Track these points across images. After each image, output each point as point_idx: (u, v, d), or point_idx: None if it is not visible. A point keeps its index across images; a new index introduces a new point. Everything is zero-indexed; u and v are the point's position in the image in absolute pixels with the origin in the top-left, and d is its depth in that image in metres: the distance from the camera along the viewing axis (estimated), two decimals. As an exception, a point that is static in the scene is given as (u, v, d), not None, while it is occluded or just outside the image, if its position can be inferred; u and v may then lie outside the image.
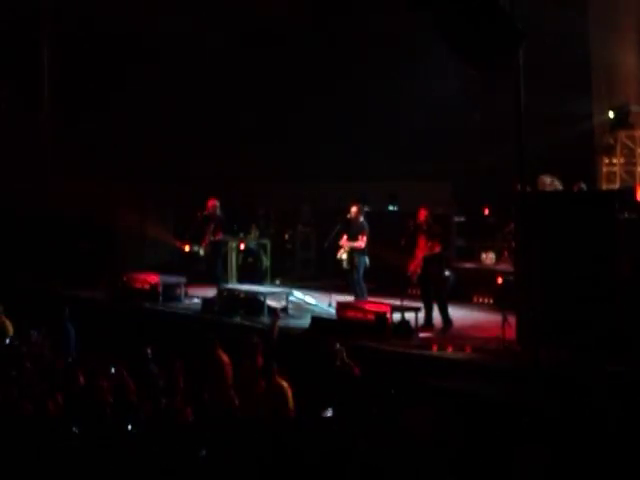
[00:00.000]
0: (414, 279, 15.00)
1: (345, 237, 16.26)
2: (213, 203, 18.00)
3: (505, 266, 17.03)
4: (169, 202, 21.53)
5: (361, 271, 16.23)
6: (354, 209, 16.27)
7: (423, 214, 14.90)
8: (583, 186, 16.00)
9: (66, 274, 20.02)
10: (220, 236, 18.05)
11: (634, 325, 12.37)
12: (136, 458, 9.57)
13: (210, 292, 17.42)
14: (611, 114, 18.69)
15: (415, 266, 14.84)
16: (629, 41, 18.77)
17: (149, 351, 13.41)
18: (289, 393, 11.82)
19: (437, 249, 14.78)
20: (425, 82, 19.32)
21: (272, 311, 15.99)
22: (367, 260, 16.22)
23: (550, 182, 15.37)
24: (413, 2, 12.82)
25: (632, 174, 18.82)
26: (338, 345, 12.77)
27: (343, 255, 16.22)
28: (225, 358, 13.23)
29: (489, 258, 18.16)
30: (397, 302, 14.83)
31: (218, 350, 13.25)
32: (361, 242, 16.10)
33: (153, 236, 20.86)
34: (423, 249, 14.82)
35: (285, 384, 11.88)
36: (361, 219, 16.29)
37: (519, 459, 9.59)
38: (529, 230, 12.82)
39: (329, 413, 11.63)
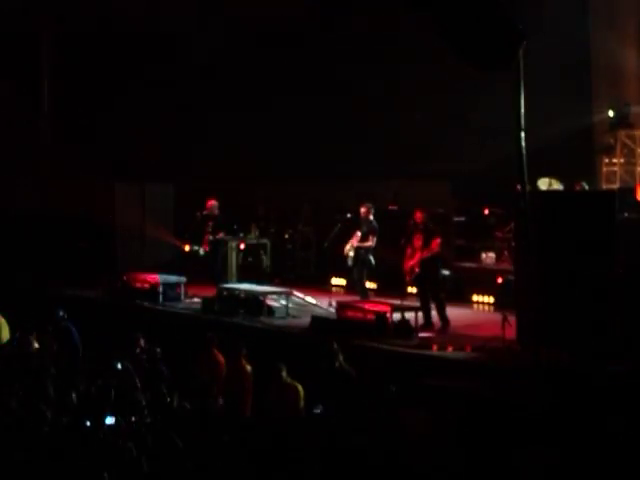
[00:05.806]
0: (410, 278, 14.97)
1: (358, 234, 16.31)
2: (212, 203, 18.23)
3: (505, 266, 17.02)
4: (169, 202, 21.51)
5: (364, 271, 16.27)
6: (363, 209, 16.41)
7: (419, 217, 14.90)
8: (584, 185, 16.02)
9: (66, 274, 19.99)
10: (220, 235, 18.19)
11: (630, 325, 12.37)
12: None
13: (210, 292, 17.41)
14: (611, 113, 18.69)
15: (412, 266, 14.82)
16: (629, 41, 18.79)
17: (158, 351, 13.44)
18: (301, 395, 11.90)
19: (433, 250, 14.75)
20: (425, 82, 19.30)
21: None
22: (372, 260, 16.27)
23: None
24: (413, 2, 12.83)
25: (632, 174, 18.82)
26: (335, 345, 12.80)
27: (350, 252, 16.28)
28: (220, 358, 13.27)
29: (489, 258, 18.16)
30: (397, 302, 14.83)
31: (214, 349, 13.29)
32: (371, 242, 16.20)
33: (153, 236, 20.84)
34: (419, 249, 14.82)
35: (298, 386, 11.95)
36: (371, 219, 16.39)
37: (519, 459, 9.59)
38: (529, 230, 12.79)
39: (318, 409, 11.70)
